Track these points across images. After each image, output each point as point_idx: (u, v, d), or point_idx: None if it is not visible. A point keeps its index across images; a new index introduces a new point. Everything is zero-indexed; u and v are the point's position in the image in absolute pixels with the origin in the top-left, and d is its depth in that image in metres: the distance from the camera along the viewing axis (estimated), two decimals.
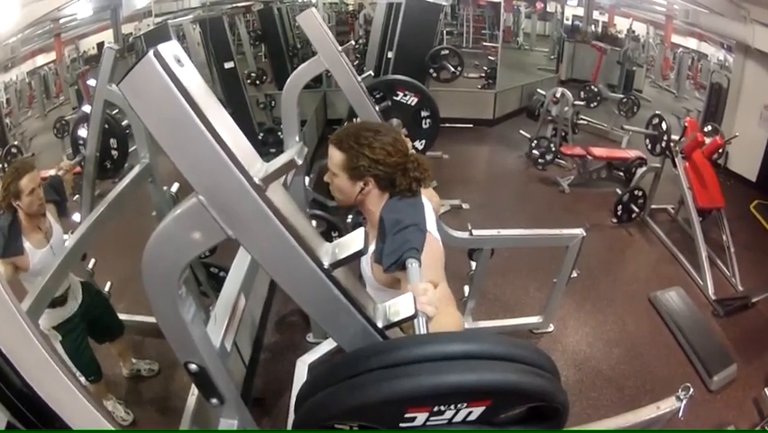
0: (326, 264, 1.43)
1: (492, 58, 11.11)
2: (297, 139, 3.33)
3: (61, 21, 5.68)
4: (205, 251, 1.43)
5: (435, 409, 1.25)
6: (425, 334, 1.47)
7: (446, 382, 1.21)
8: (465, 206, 7.31)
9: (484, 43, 11.71)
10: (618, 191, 7.42)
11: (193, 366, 1.80)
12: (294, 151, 1.33)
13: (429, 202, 2.44)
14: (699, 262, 6.26)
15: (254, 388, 4.35)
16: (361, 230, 1.55)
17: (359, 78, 3.16)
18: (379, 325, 1.60)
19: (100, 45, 5.93)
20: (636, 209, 7.41)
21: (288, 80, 3.19)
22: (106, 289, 4.61)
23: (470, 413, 1.28)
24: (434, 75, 5.92)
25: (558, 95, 8.96)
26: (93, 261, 4.45)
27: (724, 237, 6.60)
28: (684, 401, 2.61)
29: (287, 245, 1.36)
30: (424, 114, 4.45)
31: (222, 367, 1.94)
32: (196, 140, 1.15)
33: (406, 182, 2.29)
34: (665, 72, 12.22)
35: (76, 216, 4.21)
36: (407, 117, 4.73)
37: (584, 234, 4.21)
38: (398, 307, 1.62)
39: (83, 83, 6.07)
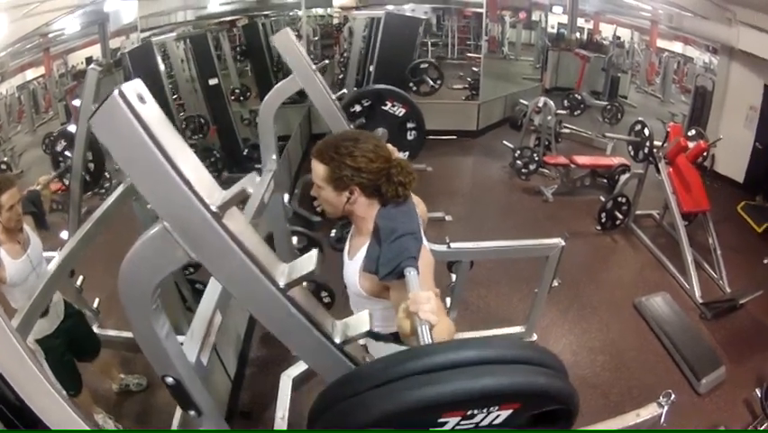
0: (282, 284, 1.51)
1: (476, 69, 11.18)
2: (274, 156, 3.41)
3: (50, 35, 5.74)
4: (188, 267, 1.54)
5: (469, 412, 1.29)
6: (458, 340, 1.46)
7: (488, 386, 1.26)
8: (448, 218, 7.33)
9: (468, 54, 11.78)
10: (602, 199, 7.51)
11: (169, 379, 1.93)
12: (247, 180, 1.41)
13: (417, 210, 2.45)
14: (684, 266, 6.30)
15: (241, 402, 4.37)
16: (313, 252, 1.61)
17: (333, 96, 3.25)
18: (337, 341, 1.67)
19: (89, 60, 5.98)
20: (621, 216, 7.47)
21: (265, 100, 3.27)
22: (95, 305, 4.67)
23: (497, 416, 1.33)
24: (414, 88, 5.99)
25: (540, 104, 9.00)
26: (81, 277, 4.52)
27: (710, 240, 6.65)
28: (666, 408, 2.62)
29: (243, 267, 1.46)
30: (410, 125, 4.50)
31: (197, 381, 2.04)
32: (157, 172, 1.28)
33: (392, 188, 2.29)
34: (651, 77, 12.31)
35: (64, 234, 4.28)
36: (393, 128, 4.78)
37: (563, 243, 4.23)
38: (355, 323, 1.70)
39: (70, 99, 6.12)
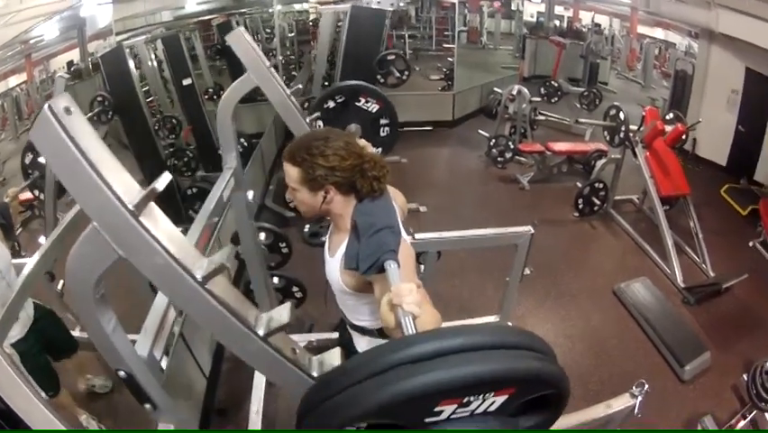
0: (199, 277, 1.54)
1: (451, 59, 11.17)
2: (234, 154, 3.43)
3: (31, 42, 5.76)
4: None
5: (465, 400, 1.28)
6: (450, 327, 1.45)
7: (484, 371, 1.26)
8: (423, 209, 7.26)
9: (445, 45, 11.82)
10: (579, 185, 7.50)
11: (122, 373, 1.98)
12: (159, 180, 1.50)
13: (395, 202, 2.47)
14: (665, 250, 6.31)
15: (217, 399, 4.39)
16: (229, 246, 1.64)
17: (288, 92, 3.28)
18: (260, 333, 1.67)
19: (70, 63, 6.00)
20: (598, 202, 7.47)
21: (221, 100, 3.29)
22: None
23: (492, 403, 1.33)
24: (382, 80, 6.02)
25: (514, 92, 9.04)
26: (62, 282, 4.55)
27: (691, 224, 6.66)
28: (640, 398, 2.55)
29: (162, 262, 1.51)
30: (383, 121, 4.52)
31: (150, 375, 2.08)
32: (82, 176, 1.39)
33: (366, 183, 2.29)
34: (632, 63, 12.38)
35: (42, 240, 4.33)
36: (366, 124, 4.77)
37: (532, 231, 4.20)
38: (277, 315, 1.70)
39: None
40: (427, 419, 1.31)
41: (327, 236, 2.62)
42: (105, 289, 1.71)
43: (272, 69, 3.21)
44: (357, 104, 4.39)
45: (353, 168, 2.26)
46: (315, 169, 2.21)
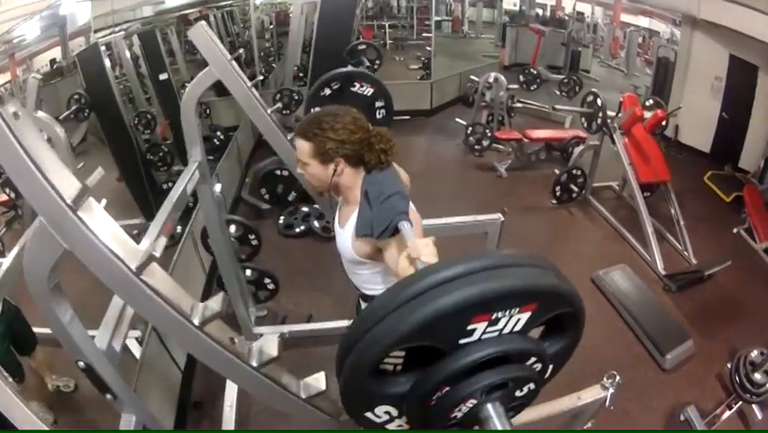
0: (134, 267, 1.63)
1: (429, 48, 11.24)
2: (199, 148, 3.47)
3: (15, 41, 5.78)
4: None
5: (494, 316, 1.34)
6: (474, 252, 1.46)
7: (509, 284, 1.34)
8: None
9: (424, 34, 11.88)
10: (557, 172, 7.48)
11: (81, 364, 2.08)
12: (91, 177, 1.63)
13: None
14: (645, 237, 6.32)
15: (193, 392, 4.43)
16: (159, 240, 1.74)
17: (249, 84, 3.32)
18: (196, 322, 1.75)
19: (53, 61, 6.03)
20: (576, 189, 7.48)
21: (185, 94, 3.33)
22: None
23: (518, 321, 1.39)
24: None
25: (491, 80, 9.07)
26: None
27: (672, 211, 6.67)
28: (611, 390, 2.55)
29: (99, 253, 1.61)
30: (378, 104, 4.56)
31: (109, 366, 2.17)
32: (27, 175, 1.50)
33: (374, 156, 2.41)
34: (614, 51, 12.44)
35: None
36: (362, 108, 4.83)
37: (502, 218, 4.20)
38: (213, 304, 1.79)
39: None
40: (462, 340, 1.38)
41: (336, 211, 2.74)
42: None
43: (233, 63, 3.26)
44: (352, 89, 4.41)
45: (362, 141, 2.39)
46: (326, 142, 2.33)
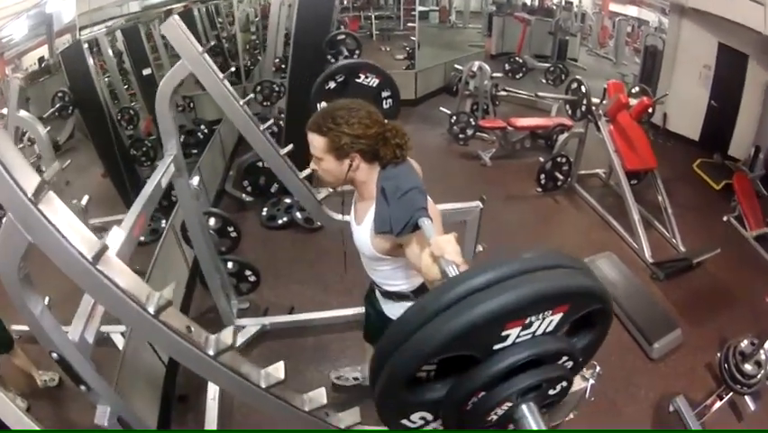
0: (90, 257, 1.69)
1: (414, 38, 11.31)
2: (174, 141, 3.51)
3: (3, 41, 5.81)
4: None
5: (527, 321, 1.35)
6: (504, 259, 1.45)
7: (543, 289, 1.33)
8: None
9: (409, 24, 11.92)
10: (542, 160, 7.56)
11: (54, 355, 2.11)
12: (48, 171, 1.72)
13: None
14: (632, 225, 6.35)
15: (177, 386, 4.43)
16: (113, 230, 1.82)
17: (221, 76, 3.37)
18: (151, 310, 1.81)
19: (41, 60, 6.07)
20: (561, 177, 7.51)
21: (159, 88, 3.36)
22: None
23: (550, 323, 1.40)
24: (333, 60, 6.08)
25: (475, 69, 9.13)
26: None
27: (660, 198, 6.68)
28: (591, 381, 2.60)
29: (57, 242, 1.68)
30: (384, 94, 4.56)
31: (82, 357, 2.19)
32: None
33: (389, 150, 2.40)
34: (603, 40, 12.53)
35: None
36: (369, 99, 4.83)
37: (481, 206, 4.21)
38: (166, 293, 1.86)
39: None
40: (496, 346, 1.39)
41: (352, 207, 2.76)
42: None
43: (206, 56, 3.29)
44: (357, 80, 4.41)
45: (377, 135, 2.38)
46: (342, 137, 2.33)
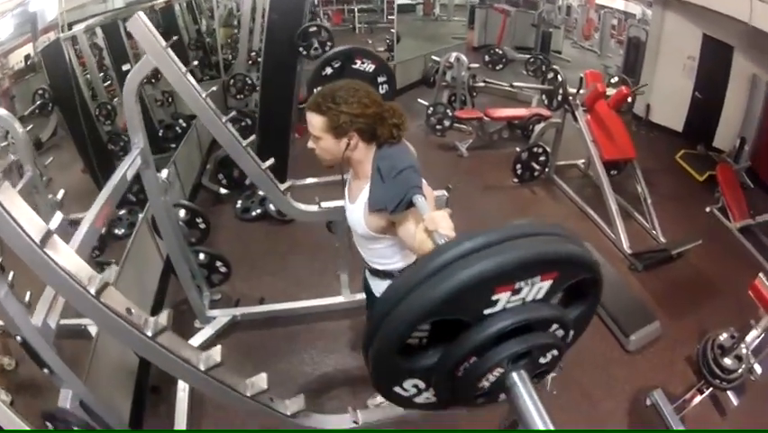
0: (38, 240, 1.85)
1: (393, 30, 11.39)
2: (141, 135, 3.61)
3: None
4: None
5: (516, 286, 1.37)
6: (495, 229, 1.47)
7: (531, 253, 1.36)
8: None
9: (389, 17, 12.03)
10: (519, 150, 7.60)
11: (18, 338, 2.25)
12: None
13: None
14: (610, 215, 6.35)
15: (151, 376, 4.41)
16: (56, 215, 1.98)
17: (184, 70, 3.48)
18: (92, 291, 1.95)
19: (27, 57, 6.14)
20: (538, 167, 7.53)
21: (126, 83, 3.44)
22: (26, 299, 4.92)
23: (540, 289, 1.42)
24: (304, 53, 6.15)
25: (452, 60, 9.23)
26: (12, 273, 4.74)
27: (639, 189, 6.68)
28: (553, 373, 2.63)
29: (10, 227, 1.83)
30: (380, 80, 4.60)
31: (44, 342, 2.32)
32: None
33: (386, 130, 2.46)
34: (588, 33, 12.63)
35: None
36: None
37: (447, 195, 4.22)
38: (105, 275, 2.01)
39: (4, 101, 6.28)
40: (486, 311, 1.40)
41: (346, 186, 2.84)
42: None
43: (169, 50, 3.39)
44: (354, 66, 4.45)
45: (375, 115, 2.44)
46: (340, 116, 2.39)
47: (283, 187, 4.15)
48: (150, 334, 2.11)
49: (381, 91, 4.58)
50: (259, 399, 2.54)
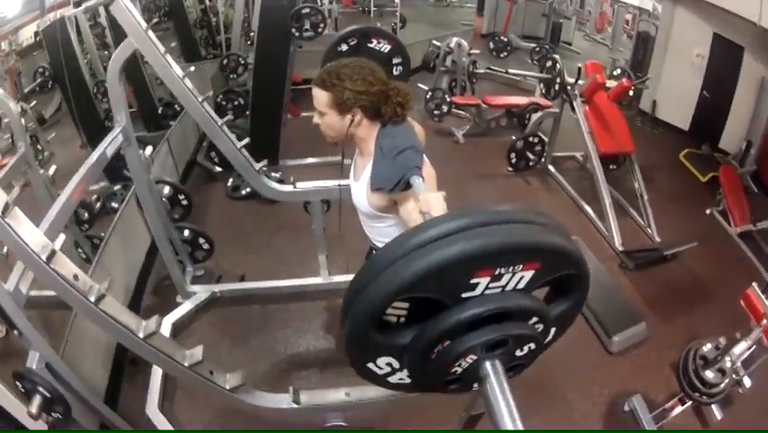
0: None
1: (398, 13, 11.57)
2: (124, 113, 3.79)
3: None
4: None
5: (497, 271, 1.37)
6: (482, 207, 1.47)
7: (513, 240, 1.36)
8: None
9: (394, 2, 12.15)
10: (514, 138, 7.64)
11: None
12: None
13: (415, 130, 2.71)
14: (603, 210, 6.33)
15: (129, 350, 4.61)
16: (14, 190, 2.21)
17: (163, 50, 3.63)
18: (43, 258, 2.23)
19: (36, 34, 6.30)
20: (533, 157, 7.55)
21: (109, 63, 3.63)
22: None
23: (521, 278, 1.42)
24: (297, 34, 6.25)
25: (452, 45, 9.30)
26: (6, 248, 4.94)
27: (636, 185, 6.65)
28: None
29: None
30: (395, 60, 4.65)
31: (15, 305, 2.54)
32: None
33: (390, 109, 2.53)
34: (600, 26, 12.64)
35: None
36: (380, 64, 5.00)
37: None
38: (55, 245, 2.30)
39: (10, 78, 6.45)
40: (464, 294, 1.40)
41: (352, 163, 2.94)
42: None
43: (150, 32, 3.56)
44: (369, 45, 4.50)
45: (380, 93, 2.53)
46: (345, 93, 2.47)
47: (257, 166, 4.28)
48: (92, 299, 2.30)
49: (396, 72, 4.63)
50: (197, 369, 2.70)
